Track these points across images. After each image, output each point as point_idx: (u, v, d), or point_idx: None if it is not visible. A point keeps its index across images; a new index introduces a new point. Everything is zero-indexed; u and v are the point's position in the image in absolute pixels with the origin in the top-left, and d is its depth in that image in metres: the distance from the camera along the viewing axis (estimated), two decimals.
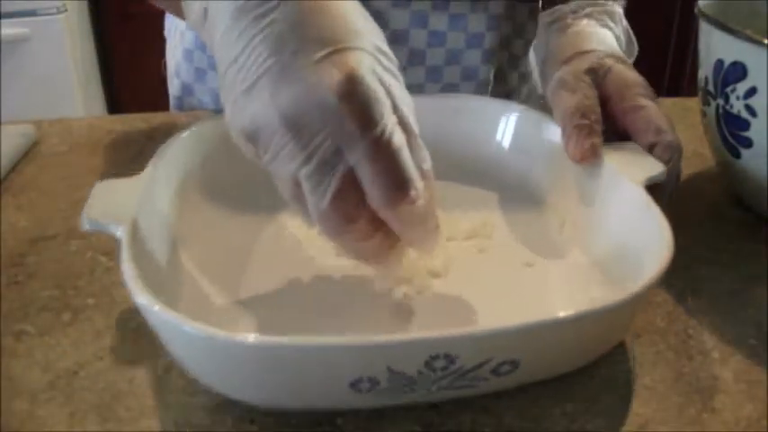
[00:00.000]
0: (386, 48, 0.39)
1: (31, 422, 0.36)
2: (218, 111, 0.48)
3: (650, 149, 0.47)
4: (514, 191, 0.53)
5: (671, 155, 0.47)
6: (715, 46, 0.50)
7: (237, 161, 0.44)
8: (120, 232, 0.38)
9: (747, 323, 0.42)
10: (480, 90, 0.67)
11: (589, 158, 0.47)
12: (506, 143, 0.55)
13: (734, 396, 0.37)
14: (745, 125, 0.48)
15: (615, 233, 0.44)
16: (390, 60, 0.39)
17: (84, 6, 2.01)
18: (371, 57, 0.37)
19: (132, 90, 2.07)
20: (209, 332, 0.31)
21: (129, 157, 0.61)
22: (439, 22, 0.63)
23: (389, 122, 0.36)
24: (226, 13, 0.38)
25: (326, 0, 0.37)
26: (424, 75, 0.66)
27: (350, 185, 0.36)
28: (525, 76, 0.74)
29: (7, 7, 1.78)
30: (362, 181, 0.36)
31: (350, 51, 0.36)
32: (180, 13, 0.47)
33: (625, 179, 0.44)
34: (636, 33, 0.65)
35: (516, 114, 0.55)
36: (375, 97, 0.35)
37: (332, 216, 0.36)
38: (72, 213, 0.42)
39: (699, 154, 0.61)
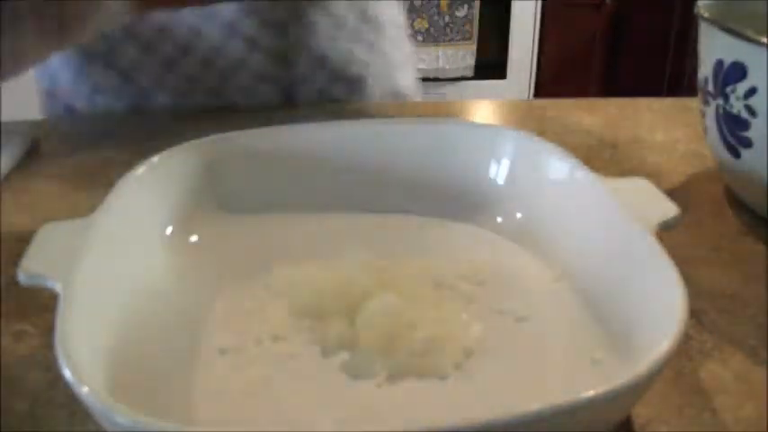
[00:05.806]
0: None
1: (31, 422, 0.36)
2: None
3: None
4: (508, 230, 0.48)
5: None
6: (715, 46, 0.50)
7: (214, 202, 0.40)
8: (60, 287, 0.34)
9: (747, 323, 0.42)
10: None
11: None
12: (500, 175, 0.49)
13: (734, 396, 0.37)
14: (745, 125, 0.48)
15: (619, 286, 0.39)
16: None
17: None
18: None
19: None
20: (139, 421, 0.27)
21: (129, 157, 0.61)
22: None
23: None
24: None
25: None
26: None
27: None
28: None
29: None
30: None
31: None
32: None
33: (634, 224, 0.39)
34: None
35: (512, 142, 0.49)
36: None
37: None
38: (72, 213, 0.41)
39: (699, 154, 0.61)
